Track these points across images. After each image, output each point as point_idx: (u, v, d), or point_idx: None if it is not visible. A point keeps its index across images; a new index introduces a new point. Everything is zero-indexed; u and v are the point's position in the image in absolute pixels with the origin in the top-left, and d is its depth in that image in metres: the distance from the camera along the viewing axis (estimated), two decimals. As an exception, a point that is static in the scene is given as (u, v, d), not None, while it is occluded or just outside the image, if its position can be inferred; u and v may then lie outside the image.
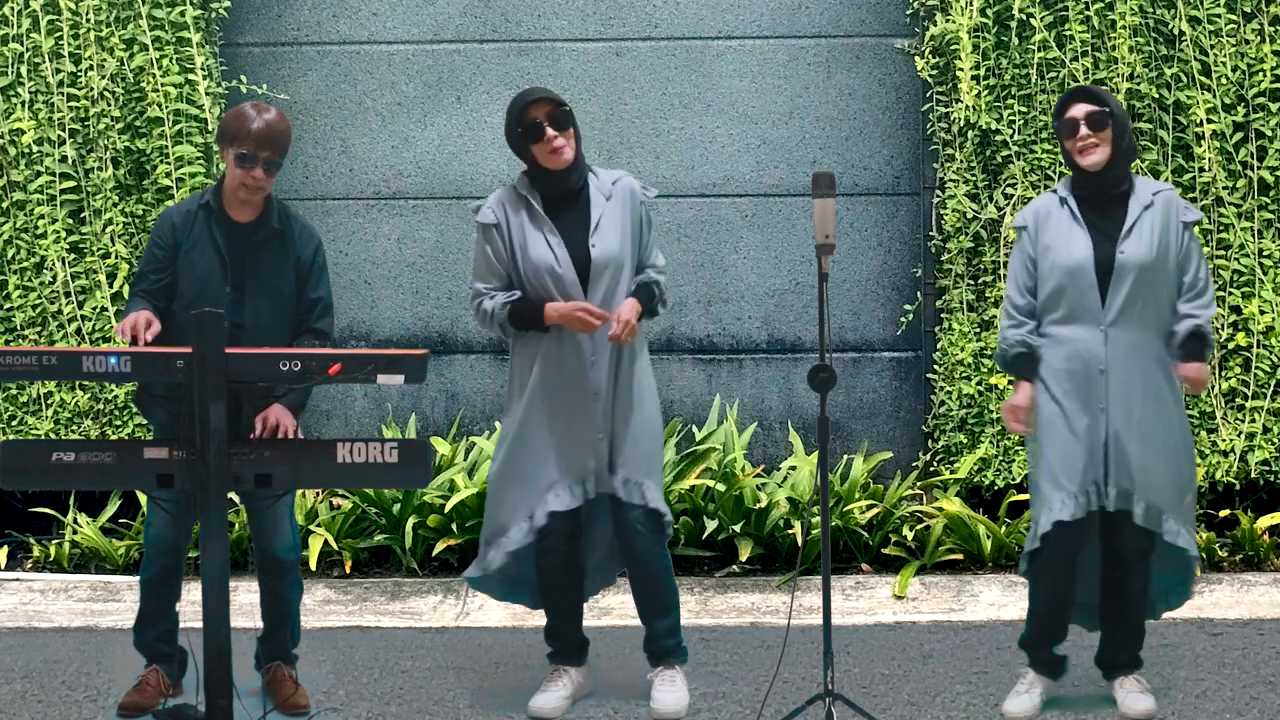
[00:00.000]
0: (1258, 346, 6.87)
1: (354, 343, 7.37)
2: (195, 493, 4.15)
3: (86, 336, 7.04)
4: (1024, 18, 6.88)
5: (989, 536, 6.73)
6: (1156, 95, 6.86)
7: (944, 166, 7.07)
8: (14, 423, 7.13)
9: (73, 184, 7.04)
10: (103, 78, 6.99)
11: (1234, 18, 6.81)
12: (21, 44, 7.02)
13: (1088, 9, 6.85)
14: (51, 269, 7.04)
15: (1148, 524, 4.96)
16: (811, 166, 7.28)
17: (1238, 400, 6.91)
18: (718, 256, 7.34)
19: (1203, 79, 6.82)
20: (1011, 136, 6.91)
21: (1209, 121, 6.81)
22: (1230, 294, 6.87)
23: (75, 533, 6.95)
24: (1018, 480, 6.90)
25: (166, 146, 6.97)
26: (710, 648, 5.90)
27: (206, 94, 6.99)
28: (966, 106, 6.91)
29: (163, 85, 6.93)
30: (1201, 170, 6.84)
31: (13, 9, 7.00)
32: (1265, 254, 6.86)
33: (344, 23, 7.35)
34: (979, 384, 6.99)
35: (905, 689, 5.37)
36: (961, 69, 6.90)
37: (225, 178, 4.98)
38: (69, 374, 4.17)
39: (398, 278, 7.37)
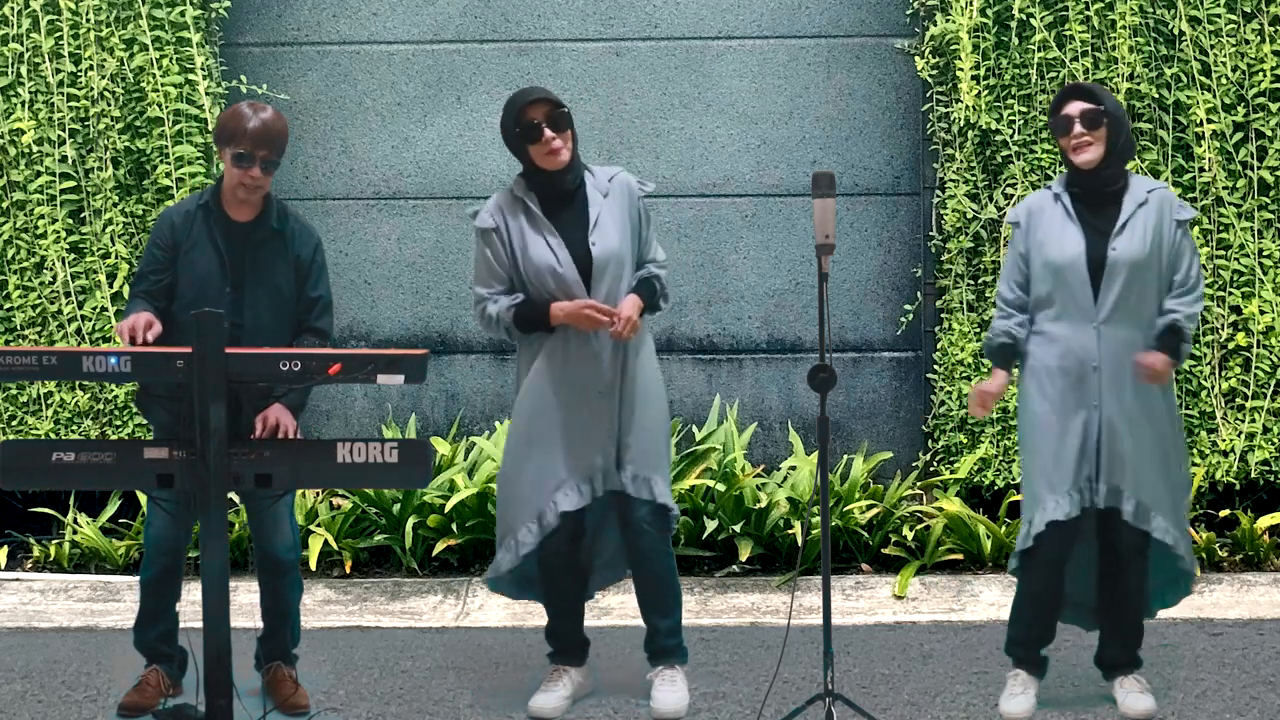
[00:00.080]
0: (1258, 346, 6.87)
1: (354, 343, 7.37)
2: (195, 493, 4.15)
3: (86, 336, 7.04)
4: (1024, 18, 6.88)
5: (989, 536, 6.73)
6: (1156, 95, 6.86)
7: (944, 166, 7.07)
8: (14, 423, 7.13)
9: (73, 184, 7.04)
10: (103, 78, 6.99)
11: (1234, 18, 6.81)
12: (21, 44, 7.02)
13: (1088, 9, 6.85)
14: (51, 269, 7.04)
15: (1137, 521, 4.96)
16: (811, 166, 7.28)
17: (1238, 400, 6.91)
18: (718, 256, 7.34)
19: (1203, 79, 6.82)
20: (1011, 136, 6.92)
21: (1209, 121, 6.81)
22: (1230, 294, 6.87)
23: (75, 533, 6.95)
24: (1018, 480, 6.90)
25: (166, 146, 6.97)
26: (710, 648, 5.90)
27: (206, 94, 6.99)
28: (966, 106, 6.91)
29: (163, 85, 6.93)
30: (1201, 170, 6.84)
31: (13, 9, 7.00)
32: (1265, 254, 6.86)
33: (344, 23, 7.35)
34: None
35: (905, 689, 5.37)
36: (961, 69, 6.90)
37: (224, 178, 4.98)
38: (69, 374, 4.17)
39: (398, 278, 7.37)
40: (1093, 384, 4.94)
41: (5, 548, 7.04)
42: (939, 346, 7.10)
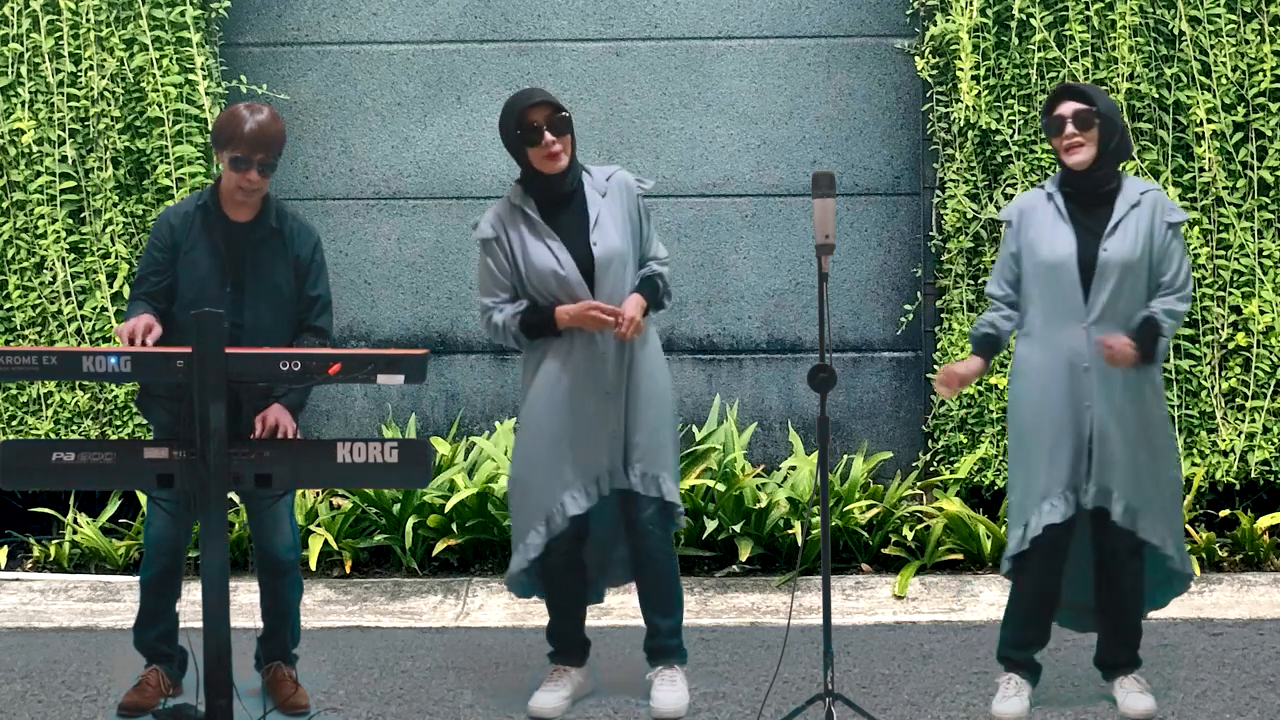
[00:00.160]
0: (1258, 346, 6.87)
1: (354, 343, 7.37)
2: (195, 493, 4.15)
3: (86, 336, 7.04)
4: (1024, 18, 6.88)
5: (989, 536, 6.73)
6: (1156, 95, 6.86)
7: (944, 166, 7.07)
8: (14, 423, 7.13)
9: (73, 184, 7.04)
10: (103, 78, 6.99)
11: (1234, 18, 6.81)
12: (21, 44, 7.02)
13: (1088, 9, 6.85)
14: (51, 269, 7.04)
15: (1125, 523, 4.95)
16: (811, 166, 7.28)
17: (1238, 400, 6.91)
18: (718, 256, 7.34)
19: (1203, 79, 6.82)
20: (1011, 136, 6.91)
21: (1209, 121, 6.81)
22: (1230, 294, 6.87)
23: (75, 533, 6.95)
24: (1018, 480, 6.90)
25: (166, 146, 6.97)
26: (710, 648, 5.90)
27: (206, 94, 6.99)
28: (966, 106, 6.91)
29: (163, 85, 6.93)
30: (1201, 170, 6.84)
31: (13, 9, 6.99)
32: (1265, 254, 6.86)
33: (344, 23, 7.35)
34: (979, 384, 6.99)
35: (905, 689, 5.37)
36: (961, 69, 6.90)
37: (222, 179, 4.98)
38: (69, 374, 4.18)
39: (398, 278, 7.37)
40: (1083, 384, 4.93)
41: (5, 548, 7.04)
42: (939, 346, 7.10)
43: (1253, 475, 6.92)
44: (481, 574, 6.81)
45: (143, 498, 6.24)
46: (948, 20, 6.95)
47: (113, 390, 7.05)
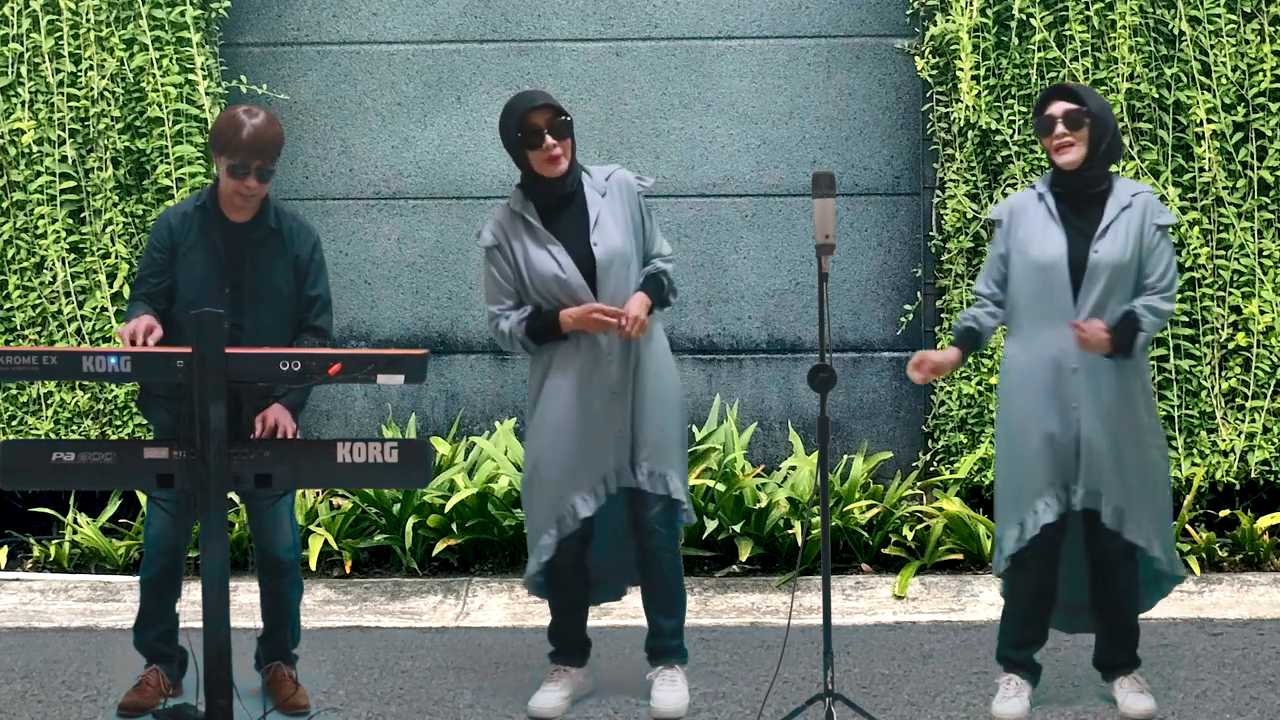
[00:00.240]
0: (1258, 346, 6.87)
1: (354, 343, 7.37)
2: (195, 493, 4.15)
3: (86, 336, 7.04)
4: (1024, 18, 6.88)
5: (989, 536, 6.72)
6: (1156, 95, 6.86)
7: (944, 166, 7.07)
8: (14, 423, 7.13)
9: (73, 184, 7.04)
10: (103, 78, 6.99)
11: (1234, 18, 6.81)
12: (21, 44, 7.02)
13: (1088, 9, 6.85)
14: (51, 269, 7.04)
15: (1113, 524, 4.95)
16: (811, 166, 7.27)
17: (1238, 400, 6.91)
18: (718, 256, 7.34)
19: (1203, 79, 6.82)
20: (1011, 136, 6.91)
21: (1209, 121, 6.81)
22: (1230, 294, 6.87)
23: (75, 533, 6.95)
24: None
25: (166, 146, 6.97)
26: (710, 648, 5.90)
27: (206, 94, 6.99)
28: (966, 106, 6.91)
29: (163, 85, 6.93)
30: (1201, 170, 6.84)
31: (13, 9, 6.99)
32: (1265, 254, 6.86)
33: (344, 23, 7.35)
34: (979, 384, 6.99)
35: (905, 689, 5.37)
36: (961, 69, 6.90)
37: (220, 182, 4.98)
38: (69, 374, 4.18)
39: (398, 278, 7.37)
40: (1071, 385, 4.93)
41: (5, 548, 7.04)
42: (939, 346, 7.09)
43: (1253, 475, 6.92)
44: (481, 574, 6.81)
45: (143, 498, 6.24)
46: (948, 20, 6.95)
47: (113, 390, 7.05)
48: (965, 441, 7.05)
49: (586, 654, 5.33)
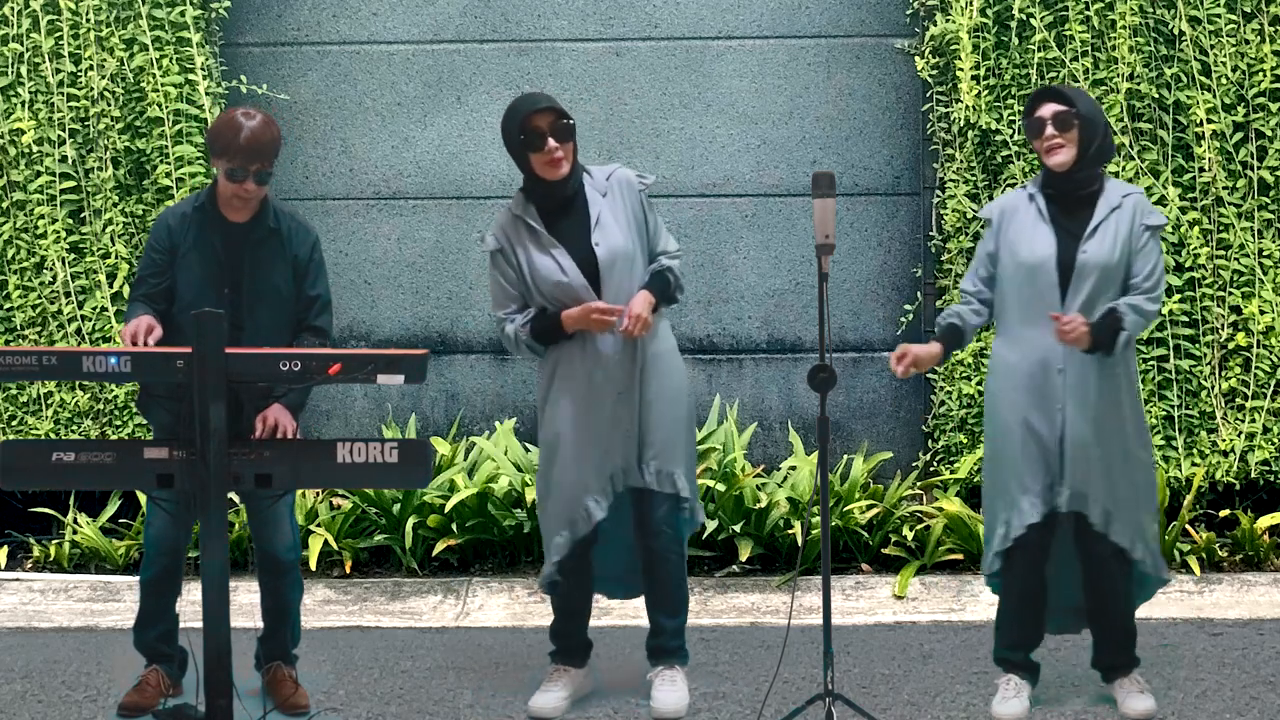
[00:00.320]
0: (1258, 346, 6.87)
1: (354, 343, 7.37)
2: (195, 493, 4.15)
3: (86, 336, 7.04)
4: (1024, 18, 6.88)
5: (989, 536, 6.72)
6: (1156, 95, 6.86)
7: (944, 166, 7.07)
8: (14, 423, 7.13)
9: (73, 184, 7.04)
10: (103, 78, 6.99)
11: (1234, 18, 6.81)
12: (21, 44, 7.02)
13: (1088, 9, 6.85)
14: (51, 269, 7.04)
15: (1102, 527, 4.95)
16: (811, 166, 7.28)
17: (1238, 400, 6.91)
18: (718, 256, 7.34)
19: (1203, 79, 6.82)
20: (1011, 136, 6.91)
21: (1209, 121, 6.81)
22: (1230, 294, 6.87)
23: (75, 533, 6.95)
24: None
25: (166, 146, 6.97)
26: (710, 648, 5.90)
27: (206, 94, 6.99)
28: (966, 106, 6.91)
29: (163, 85, 6.93)
30: (1201, 170, 6.84)
31: (13, 9, 6.99)
32: (1265, 254, 6.86)
33: (344, 23, 7.35)
34: (979, 384, 6.99)
35: (905, 689, 5.37)
36: (961, 69, 6.90)
37: (218, 181, 4.98)
38: (69, 374, 4.18)
39: (398, 278, 7.37)
40: (1057, 386, 4.93)
41: (5, 548, 7.04)
42: (936, 346, 7.09)
43: (1253, 475, 6.92)
44: (481, 574, 6.81)
45: (143, 498, 6.24)
46: (948, 20, 6.95)
47: (113, 390, 7.05)
48: (965, 441, 7.04)
49: (587, 654, 5.33)
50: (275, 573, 5.21)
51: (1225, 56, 6.80)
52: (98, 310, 7.04)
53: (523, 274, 5.07)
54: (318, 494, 6.94)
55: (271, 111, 6.63)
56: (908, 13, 7.20)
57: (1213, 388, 6.89)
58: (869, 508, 6.81)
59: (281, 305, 5.01)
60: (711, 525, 6.68)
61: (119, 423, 7.06)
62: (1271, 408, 6.89)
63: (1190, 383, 6.89)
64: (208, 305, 4.62)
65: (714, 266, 7.33)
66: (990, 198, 6.95)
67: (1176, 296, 6.82)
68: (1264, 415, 6.88)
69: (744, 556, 6.67)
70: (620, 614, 6.20)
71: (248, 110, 4.95)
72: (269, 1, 7.36)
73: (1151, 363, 6.86)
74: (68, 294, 7.05)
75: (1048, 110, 4.95)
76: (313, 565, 6.61)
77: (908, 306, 7.24)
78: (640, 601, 5.35)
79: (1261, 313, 6.84)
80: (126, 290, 6.87)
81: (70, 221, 7.06)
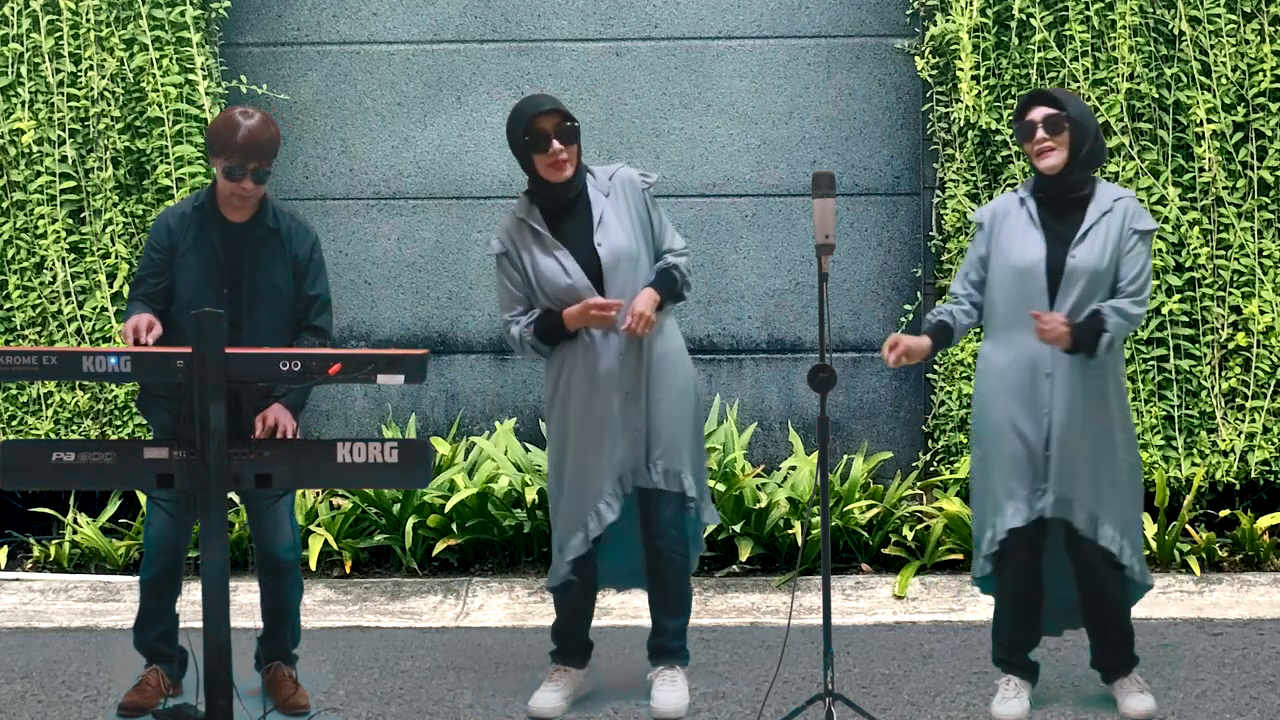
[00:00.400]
0: (1258, 346, 6.87)
1: (354, 343, 7.37)
2: (195, 493, 4.15)
3: (86, 336, 7.04)
4: (1024, 18, 6.88)
5: (989, 536, 6.72)
6: (1156, 95, 6.86)
7: (944, 166, 7.07)
8: (14, 423, 7.13)
9: (73, 184, 7.04)
10: (103, 78, 6.99)
11: (1234, 18, 6.81)
12: (21, 44, 7.02)
13: (1088, 9, 6.85)
14: (51, 269, 7.04)
15: (1088, 531, 4.94)
16: (811, 166, 7.28)
17: (1238, 400, 6.91)
18: (718, 256, 7.34)
19: (1203, 79, 6.82)
20: (1011, 136, 6.91)
21: (1209, 121, 6.81)
22: (1230, 294, 6.87)
23: (75, 533, 6.95)
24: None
25: (166, 146, 6.97)
26: (710, 648, 5.90)
27: (206, 94, 6.99)
28: (966, 106, 6.91)
29: (163, 85, 6.93)
30: (1201, 170, 6.84)
31: (13, 9, 6.99)
32: (1265, 254, 6.86)
33: (344, 23, 7.35)
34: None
35: (905, 689, 5.37)
36: (961, 69, 6.90)
37: (218, 181, 4.98)
38: (69, 374, 4.18)
39: (398, 278, 7.37)
40: (1045, 390, 4.93)
41: (5, 548, 7.04)
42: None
43: (1253, 475, 6.92)
44: (481, 574, 6.81)
45: (143, 498, 6.24)
46: (948, 20, 6.95)
47: (113, 390, 7.05)
48: (965, 441, 7.04)
49: (588, 655, 5.33)
50: (275, 573, 5.21)
51: (1225, 56, 6.80)
52: (98, 310, 7.04)
53: (527, 276, 5.07)
54: (318, 494, 6.94)
55: (271, 111, 6.63)
56: (908, 13, 7.20)
57: (1213, 388, 6.89)
58: (869, 508, 6.81)
59: (281, 305, 5.01)
60: (711, 525, 6.68)
61: (119, 423, 7.06)
62: (1271, 408, 6.89)
63: (1190, 383, 6.89)
64: (207, 305, 4.63)
65: (714, 266, 7.34)
66: (990, 197, 6.95)
67: (1176, 296, 6.82)
68: (1264, 415, 6.88)
69: (744, 556, 6.67)
70: (620, 614, 6.20)
71: (246, 109, 4.95)
72: (269, 1, 7.36)
73: (1151, 363, 6.86)
74: (68, 294, 7.05)
75: (1038, 113, 4.95)
76: (313, 565, 6.61)
77: (908, 306, 7.24)
78: (641, 602, 5.36)
79: (1261, 313, 6.84)
80: (126, 290, 6.87)
81: (70, 221, 7.06)
